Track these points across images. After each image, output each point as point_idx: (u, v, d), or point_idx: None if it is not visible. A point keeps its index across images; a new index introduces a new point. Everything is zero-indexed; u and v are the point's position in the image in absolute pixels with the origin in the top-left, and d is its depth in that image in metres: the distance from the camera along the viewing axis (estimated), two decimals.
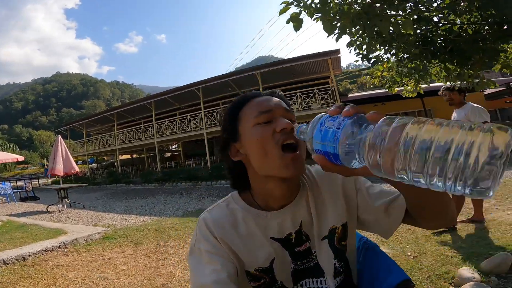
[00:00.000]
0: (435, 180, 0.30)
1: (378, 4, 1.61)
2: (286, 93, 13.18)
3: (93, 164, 27.59)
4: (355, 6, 1.72)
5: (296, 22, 1.97)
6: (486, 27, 1.83)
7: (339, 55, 12.02)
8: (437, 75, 2.82)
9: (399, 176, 0.34)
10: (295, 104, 13.04)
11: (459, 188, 0.29)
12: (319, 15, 1.94)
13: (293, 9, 1.98)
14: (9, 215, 7.11)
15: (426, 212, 0.60)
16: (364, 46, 2.74)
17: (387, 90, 3.51)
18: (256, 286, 0.69)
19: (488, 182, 0.28)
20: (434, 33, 2.12)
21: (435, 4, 1.89)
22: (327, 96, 12.44)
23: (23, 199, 10.83)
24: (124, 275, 2.87)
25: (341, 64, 13.87)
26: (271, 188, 0.68)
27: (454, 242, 2.74)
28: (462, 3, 1.72)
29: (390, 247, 2.82)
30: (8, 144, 23.76)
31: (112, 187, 15.25)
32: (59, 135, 9.92)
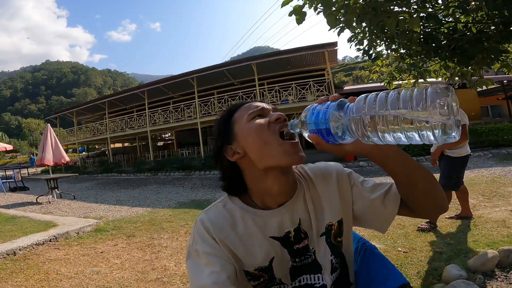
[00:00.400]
0: (410, 132, 0.39)
1: (386, 2, 1.56)
2: (282, 84, 13.10)
3: (84, 153, 27.13)
4: (360, 1, 1.66)
5: (299, 15, 1.91)
6: (492, 27, 1.80)
7: (336, 48, 11.92)
8: (436, 73, 2.80)
9: (382, 135, 0.43)
10: (290, 95, 13.00)
11: (429, 133, 0.38)
12: (322, 8, 1.88)
13: (296, 1, 1.93)
14: None
15: (417, 192, 0.63)
16: (366, 42, 2.71)
17: (384, 85, 3.49)
18: (255, 285, 0.70)
19: (448, 120, 0.36)
20: (438, 31, 2.08)
21: (440, 2, 1.85)
22: (323, 88, 12.42)
23: (12, 190, 10.61)
24: (118, 269, 2.84)
25: (337, 57, 13.79)
26: (270, 184, 0.68)
27: (443, 239, 2.78)
28: (473, 2, 1.68)
29: (381, 242, 2.84)
30: None
31: (103, 176, 15.08)
32: (49, 124, 9.66)
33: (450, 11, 1.91)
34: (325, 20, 1.99)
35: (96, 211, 6.13)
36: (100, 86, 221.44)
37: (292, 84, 12.72)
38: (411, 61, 2.90)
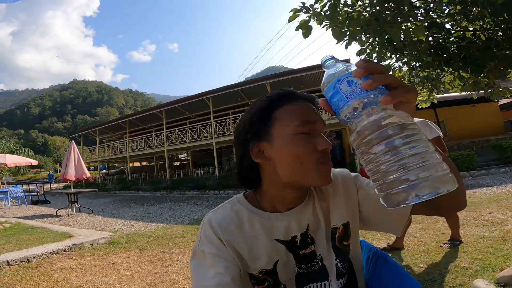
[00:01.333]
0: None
1: (388, 12, 1.59)
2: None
3: (104, 171, 27.97)
4: (364, 13, 1.70)
5: (305, 29, 1.97)
6: (500, 33, 1.78)
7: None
8: (450, 84, 2.75)
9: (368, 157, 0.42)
10: None
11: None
12: (328, 22, 1.93)
13: (302, 16, 1.99)
14: (19, 218, 7.23)
15: None
16: (375, 55, 2.73)
17: None
18: None
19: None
20: (447, 40, 2.08)
21: (446, 10, 1.86)
22: None
23: (34, 202, 11.02)
24: (127, 280, 2.83)
25: None
26: (286, 193, 0.67)
27: (469, 254, 2.63)
28: (474, 9, 1.68)
29: (401, 258, 2.73)
30: (23, 149, 24.41)
31: (121, 193, 15.40)
32: (73, 141, 10.17)
33: (457, 18, 1.90)
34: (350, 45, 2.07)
35: (112, 225, 6.23)
36: (122, 106, 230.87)
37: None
38: (424, 73, 2.88)
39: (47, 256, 3.48)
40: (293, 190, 0.67)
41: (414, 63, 2.44)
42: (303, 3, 1.91)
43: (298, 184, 0.64)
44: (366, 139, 0.41)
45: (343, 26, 1.80)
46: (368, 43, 2.31)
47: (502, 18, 1.55)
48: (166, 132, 16.97)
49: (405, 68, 2.82)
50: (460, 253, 2.70)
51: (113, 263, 3.39)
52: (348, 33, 1.82)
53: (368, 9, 1.80)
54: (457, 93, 3.14)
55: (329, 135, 16.47)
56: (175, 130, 16.67)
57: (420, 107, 3.62)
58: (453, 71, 2.43)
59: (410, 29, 1.57)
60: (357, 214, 0.74)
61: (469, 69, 2.08)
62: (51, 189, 16.39)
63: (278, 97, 0.65)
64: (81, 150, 22.09)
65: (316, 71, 12.29)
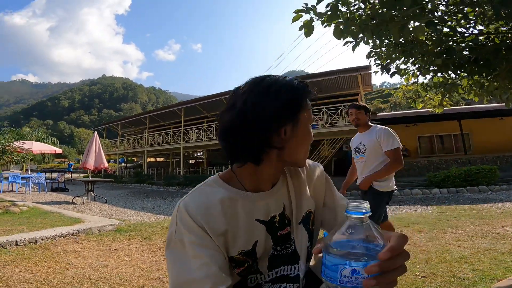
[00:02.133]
0: None
1: (386, 11, 1.56)
2: (313, 108, 12.99)
3: (123, 164, 28.89)
4: (360, 12, 1.69)
5: (308, 29, 2.01)
6: (510, 34, 1.70)
7: (369, 71, 11.61)
8: (465, 89, 2.63)
9: None
10: (320, 120, 12.84)
11: None
12: (329, 21, 1.95)
13: (306, 17, 2.02)
14: (37, 203, 7.60)
15: None
16: (384, 57, 2.67)
17: (418, 109, 3.38)
18: (239, 272, 0.65)
19: None
20: (459, 43, 2.00)
21: (443, 8, 1.80)
22: None
23: (54, 190, 11.58)
24: (125, 265, 2.92)
25: (374, 83, 13.50)
26: (271, 170, 0.69)
27: (470, 265, 2.55)
28: (486, 8, 1.61)
29: None
30: (50, 138, 25.60)
31: (136, 186, 15.84)
32: (95, 132, 10.67)
33: (471, 20, 1.83)
34: (359, 46, 2.08)
35: (122, 214, 6.43)
36: (145, 102, 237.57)
37: (323, 108, 12.60)
38: (440, 79, 2.80)
39: (55, 239, 3.65)
40: (279, 168, 0.72)
41: (423, 65, 2.37)
42: (306, 4, 1.92)
43: (299, 164, 0.71)
44: None
45: (342, 24, 1.80)
46: (373, 44, 2.26)
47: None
48: (184, 129, 17.32)
49: (416, 70, 2.74)
50: (461, 263, 2.60)
51: (115, 249, 3.51)
52: (347, 32, 1.80)
53: (366, 9, 1.79)
54: (485, 105, 3.02)
55: (346, 142, 16.16)
56: (192, 128, 16.99)
57: (432, 112, 3.50)
58: (467, 75, 2.34)
59: (407, 27, 1.53)
60: (321, 205, 0.81)
61: (483, 74, 2.00)
62: (71, 178, 17.11)
63: (304, 89, 0.68)
64: (103, 142, 22.97)
65: (334, 76, 12.13)
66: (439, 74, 2.67)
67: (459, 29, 2.12)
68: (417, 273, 2.44)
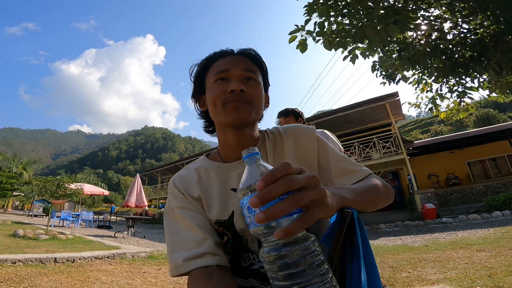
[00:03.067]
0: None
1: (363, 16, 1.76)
2: (344, 143, 12.74)
3: (163, 209, 30.03)
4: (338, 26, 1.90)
5: (302, 46, 2.29)
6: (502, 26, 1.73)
7: (397, 98, 11.16)
8: (481, 84, 2.56)
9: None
10: (353, 154, 12.38)
11: None
12: (320, 38, 2.20)
13: (299, 37, 2.32)
14: (82, 234, 8.19)
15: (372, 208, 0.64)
16: (387, 70, 2.81)
17: (428, 111, 3.36)
18: (225, 245, 0.69)
19: None
20: (450, 43, 2.10)
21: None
22: (389, 144, 11.66)
23: (99, 227, 12.40)
24: (150, 285, 3.05)
25: (410, 114, 13.04)
26: (228, 136, 0.71)
27: None
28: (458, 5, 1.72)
29: (455, 283, 2.53)
30: (100, 183, 28.02)
31: None
32: (138, 174, 11.64)
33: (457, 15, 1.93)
34: (381, 78, 2.29)
35: (157, 247, 6.65)
36: (182, 152, 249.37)
37: (354, 142, 12.25)
38: (450, 85, 2.84)
39: (91, 260, 3.92)
40: (231, 132, 0.70)
41: (426, 70, 2.46)
42: (297, 25, 2.22)
43: (220, 123, 0.70)
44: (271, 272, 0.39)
45: (330, 37, 2.03)
46: (370, 51, 2.43)
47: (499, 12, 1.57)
48: None
49: (420, 74, 2.81)
50: None
51: (144, 272, 3.66)
52: (337, 41, 2.02)
53: (348, 21, 2.02)
54: None
55: (385, 176, 15.28)
56: None
57: (454, 119, 3.40)
58: (481, 72, 2.35)
59: (381, 28, 1.69)
60: (315, 170, 0.74)
61: (479, 68, 2.04)
62: (116, 219, 18.22)
63: (214, 56, 0.75)
64: (145, 188, 24.40)
65: (362, 107, 11.98)
66: (450, 80, 2.71)
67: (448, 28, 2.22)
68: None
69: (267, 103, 0.79)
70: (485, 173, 12.79)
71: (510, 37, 1.61)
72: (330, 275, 0.39)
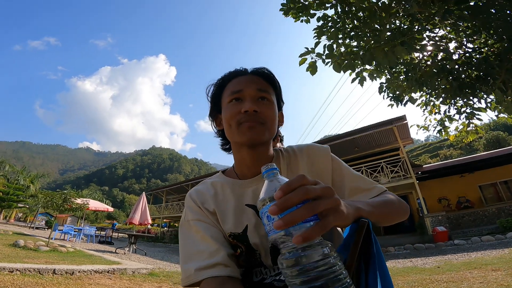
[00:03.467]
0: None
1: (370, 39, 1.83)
2: (352, 168, 12.60)
3: (165, 229, 29.71)
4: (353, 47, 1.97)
5: (312, 68, 2.37)
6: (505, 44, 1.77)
7: (405, 121, 11.08)
8: (489, 105, 2.58)
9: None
10: None
11: None
12: (329, 60, 2.29)
13: (309, 59, 2.40)
14: (83, 248, 8.09)
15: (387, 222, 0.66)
16: (394, 92, 2.86)
17: (436, 134, 3.36)
18: (238, 257, 0.71)
19: None
20: (456, 63, 2.15)
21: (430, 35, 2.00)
22: (397, 169, 11.52)
23: (100, 242, 12.30)
24: None
25: (419, 138, 12.95)
26: (244, 154, 0.74)
27: None
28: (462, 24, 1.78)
29: None
30: (104, 200, 28.09)
31: (175, 246, 15.90)
32: (144, 192, 11.73)
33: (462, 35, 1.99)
34: (388, 100, 2.37)
35: (158, 264, 6.52)
36: (188, 173, 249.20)
37: (361, 167, 12.13)
38: (458, 107, 2.86)
39: (91, 273, 3.85)
40: (246, 151, 0.72)
41: (431, 91, 2.49)
42: (307, 48, 2.31)
43: (236, 143, 0.73)
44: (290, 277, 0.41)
45: (339, 60, 2.11)
46: (377, 74, 2.49)
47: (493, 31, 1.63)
48: None
49: (428, 96, 2.84)
50: None
51: None
52: (345, 63, 2.09)
53: (356, 43, 2.10)
54: None
55: None
56: None
57: (464, 143, 3.38)
58: (488, 92, 2.37)
59: (387, 49, 1.76)
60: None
61: (485, 88, 2.07)
62: (118, 236, 18.02)
63: (230, 75, 0.78)
64: (150, 207, 24.32)
65: (369, 131, 12.00)
66: (458, 101, 2.74)
67: (453, 48, 2.28)
68: None
69: (281, 121, 0.81)
70: (497, 196, 12.46)
71: None
72: (349, 281, 0.40)
